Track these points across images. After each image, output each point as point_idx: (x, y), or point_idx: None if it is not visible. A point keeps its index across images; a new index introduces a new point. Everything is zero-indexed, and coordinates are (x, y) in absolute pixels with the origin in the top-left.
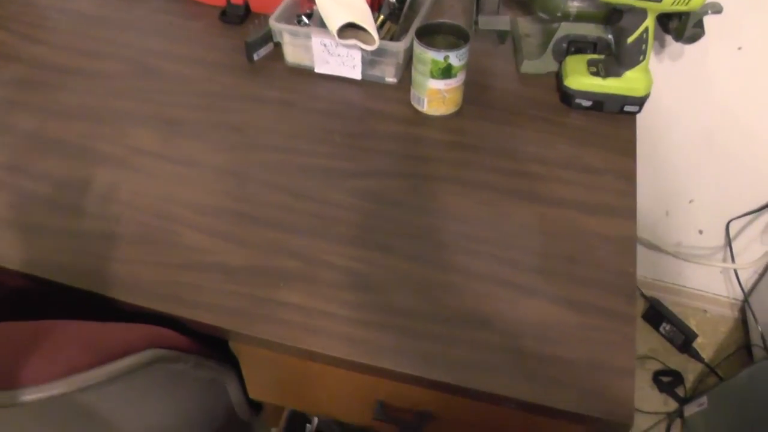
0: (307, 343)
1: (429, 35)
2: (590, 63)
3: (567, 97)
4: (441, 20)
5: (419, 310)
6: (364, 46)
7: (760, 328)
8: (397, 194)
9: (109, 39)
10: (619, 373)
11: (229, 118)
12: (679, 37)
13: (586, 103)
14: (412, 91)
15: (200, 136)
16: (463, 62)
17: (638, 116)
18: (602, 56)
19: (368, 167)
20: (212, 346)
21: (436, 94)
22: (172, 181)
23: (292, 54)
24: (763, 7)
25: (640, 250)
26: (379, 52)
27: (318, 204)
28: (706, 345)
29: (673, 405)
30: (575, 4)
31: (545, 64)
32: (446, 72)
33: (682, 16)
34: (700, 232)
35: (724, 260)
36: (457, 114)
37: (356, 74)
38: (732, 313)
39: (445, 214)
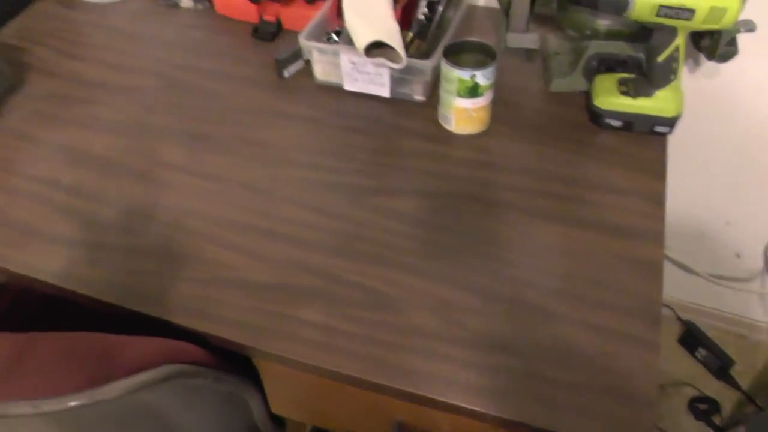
0: (325, 362)
1: (456, 53)
2: (620, 82)
3: (596, 116)
4: (468, 38)
5: (438, 331)
6: (391, 64)
7: None
8: (421, 213)
9: (142, 54)
10: (641, 403)
11: (257, 133)
12: (712, 55)
13: (616, 123)
14: (440, 109)
15: (227, 151)
16: (490, 81)
17: (672, 134)
18: (633, 75)
19: (393, 185)
20: (235, 361)
21: (463, 113)
22: (198, 196)
23: (321, 71)
24: None
25: (676, 273)
26: (408, 70)
27: (341, 222)
28: (743, 372)
29: None
30: (605, 22)
31: (575, 82)
32: (473, 91)
33: (714, 35)
34: (738, 255)
35: (763, 285)
36: (485, 133)
37: (385, 92)
38: None
39: (468, 234)
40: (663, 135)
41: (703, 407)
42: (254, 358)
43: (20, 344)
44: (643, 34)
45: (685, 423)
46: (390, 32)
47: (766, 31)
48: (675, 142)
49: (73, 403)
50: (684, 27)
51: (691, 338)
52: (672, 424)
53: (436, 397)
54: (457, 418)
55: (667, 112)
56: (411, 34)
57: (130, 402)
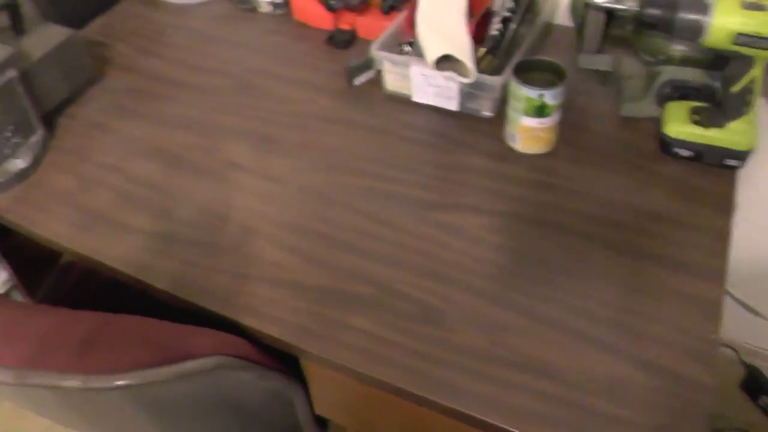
0: (370, 370)
1: (526, 71)
2: (693, 111)
3: (665, 144)
4: (540, 57)
5: (485, 350)
6: (460, 78)
7: None
8: (477, 230)
9: (218, 56)
10: None
11: (323, 140)
12: None
13: (685, 153)
14: (506, 126)
15: (293, 155)
16: (558, 101)
17: (743, 168)
18: (706, 104)
19: (453, 200)
20: (284, 360)
21: (529, 132)
22: (260, 197)
23: (391, 82)
24: None
25: (741, 314)
26: (477, 85)
27: (399, 233)
28: None
29: None
30: (680, 47)
31: (646, 108)
32: (540, 110)
33: None
34: None
35: None
36: (550, 154)
37: (453, 105)
38: None
39: (524, 255)
40: (733, 169)
41: None
42: (301, 359)
43: (95, 323)
44: (720, 62)
45: None
46: (461, 46)
47: None
48: (746, 177)
49: (121, 383)
50: (762, 57)
51: (754, 384)
52: None
53: (479, 416)
54: None
55: (740, 145)
56: (483, 50)
57: (176, 388)
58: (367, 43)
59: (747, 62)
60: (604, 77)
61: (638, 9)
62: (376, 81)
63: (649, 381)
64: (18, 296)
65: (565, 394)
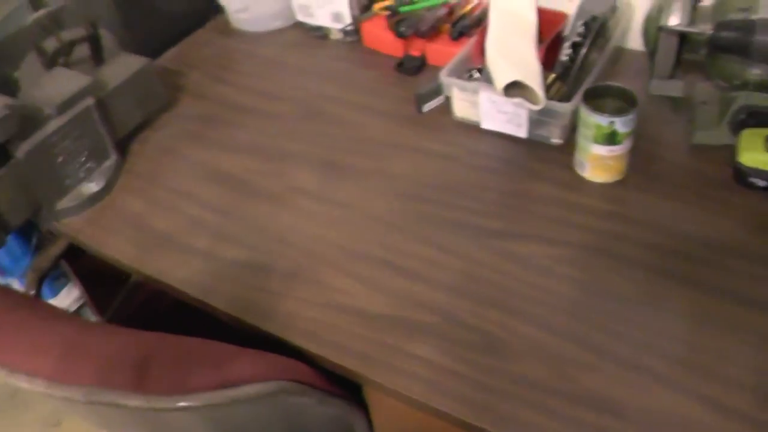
0: (433, 401)
1: (597, 98)
2: None
3: (740, 174)
4: (610, 83)
5: (548, 383)
6: (530, 105)
7: None
8: (544, 261)
9: (287, 82)
10: None
11: (389, 166)
12: None
13: (761, 183)
14: (575, 154)
15: (359, 181)
16: (629, 129)
17: None
18: None
19: (520, 229)
20: (347, 386)
21: (598, 160)
22: (326, 223)
23: (460, 108)
24: None
25: None
26: (547, 112)
27: (464, 261)
28: None
29: None
30: (756, 71)
31: (720, 135)
32: (611, 138)
33: None
34: None
35: None
36: (620, 182)
37: (522, 132)
38: None
39: (591, 287)
40: None
41: None
42: (364, 386)
43: (150, 342)
44: None
45: None
46: (531, 72)
47: None
48: None
49: (183, 404)
50: None
51: None
52: None
53: None
54: None
55: None
56: (553, 75)
57: (238, 411)
58: (437, 69)
59: None
60: (676, 103)
61: (712, 32)
62: (445, 107)
63: (723, 425)
64: (88, 313)
65: None
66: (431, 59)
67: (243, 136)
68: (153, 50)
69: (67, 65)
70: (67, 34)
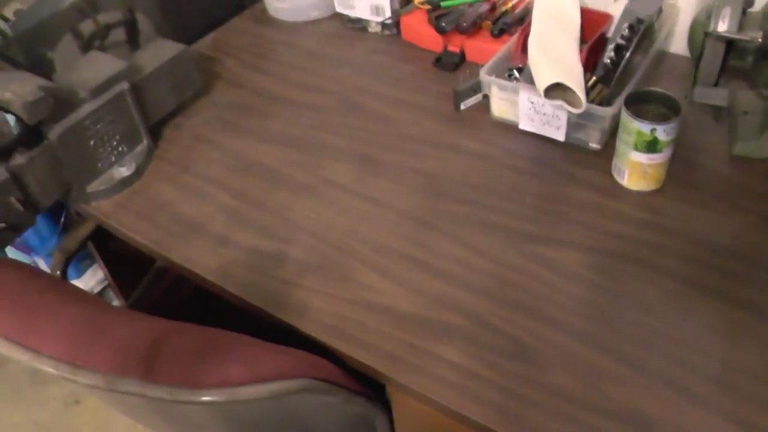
0: (457, 405)
1: (638, 103)
2: None
3: None
4: (653, 88)
5: (578, 394)
6: (570, 108)
7: None
8: (578, 268)
9: (324, 74)
10: None
11: (425, 163)
12: None
13: None
14: (614, 160)
15: (393, 177)
16: (670, 137)
17: None
18: None
19: (554, 234)
20: (370, 385)
21: (638, 168)
22: (358, 218)
23: (498, 107)
24: None
25: None
26: (586, 116)
27: (496, 264)
28: None
29: None
30: None
31: (762, 148)
32: (651, 146)
33: None
34: None
35: None
36: (658, 191)
37: (560, 135)
38: None
39: (625, 297)
40: None
41: None
42: (388, 386)
43: (172, 330)
44: None
45: None
46: (573, 74)
47: None
48: None
49: (207, 398)
50: None
51: None
52: None
53: None
54: None
55: None
56: (594, 78)
57: (260, 407)
58: (476, 66)
59: None
60: (718, 112)
61: (762, 40)
62: (483, 106)
63: None
64: (112, 295)
65: None
66: (470, 56)
67: (278, 126)
68: (189, 36)
69: (102, 49)
70: (104, 18)
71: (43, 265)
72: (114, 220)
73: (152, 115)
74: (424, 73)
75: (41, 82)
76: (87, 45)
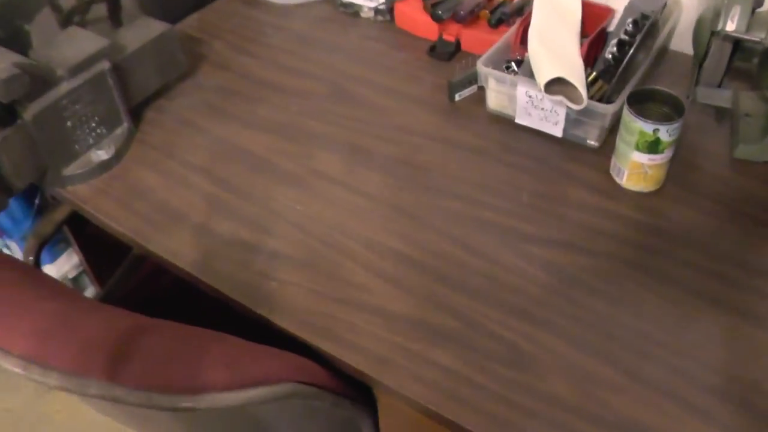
0: (449, 411)
1: (640, 102)
2: None
3: None
4: (656, 87)
5: (578, 404)
6: (570, 104)
7: None
8: (576, 271)
9: (315, 59)
10: None
11: (417, 156)
12: None
13: None
14: (613, 159)
15: (385, 169)
16: (673, 138)
17: None
18: None
19: (550, 234)
20: (355, 384)
21: (638, 168)
22: (347, 211)
23: (494, 100)
24: None
25: None
26: (586, 112)
27: (491, 264)
28: None
29: None
30: None
31: (763, 151)
32: (653, 146)
33: None
34: None
35: None
36: (656, 192)
37: (557, 131)
38: None
39: (623, 303)
40: None
41: None
42: (375, 390)
43: (146, 328)
44: None
45: None
46: (575, 69)
47: None
48: None
49: (186, 404)
50: None
51: None
52: None
53: None
54: None
55: None
56: (594, 73)
57: (242, 411)
58: (471, 56)
59: None
60: (720, 113)
61: None
62: (478, 98)
63: None
64: (86, 282)
65: None
66: (466, 45)
67: (266, 112)
68: (174, 15)
69: (82, 24)
70: None
71: (16, 249)
72: (90, 205)
73: (134, 97)
74: (418, 61)
75: (16, 58)
76: (66, 20)
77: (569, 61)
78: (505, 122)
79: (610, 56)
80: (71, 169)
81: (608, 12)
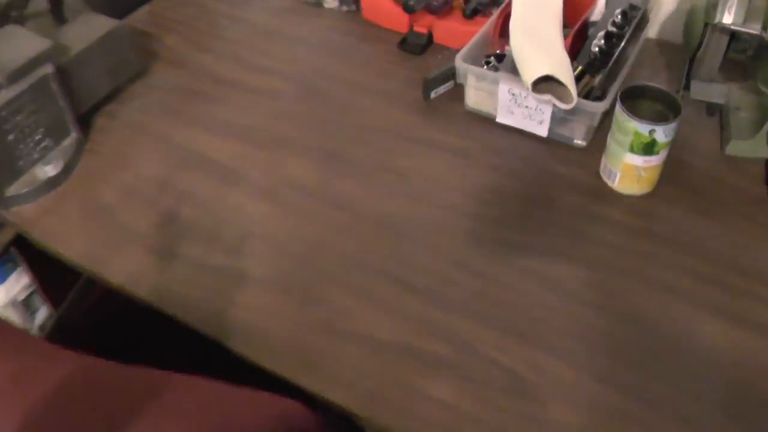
0: None
1: (631, 99)
2: None
3: None
4: (649, 84)
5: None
6: (559, 104)
7: None
8: (568, 282)
9: (277, 54)
10: None
11: (395, 160)
12: None
13: None
14: (604, 160)
15: (361, 177)
16: (669, 138)
17: None
18: None
19: (543, 244)
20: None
21: (631, 171)
22: (323, 225)
23: (473, 98)
24: None
25: None
26: (574, 110)
27: (483, 281)
28: None
29: None
30: None
31: (756, 147)
32: (648, 148)
33: None
34: None
35: None
36: (650, 194)
37: (542, 131)
38: None
39: (622, 316)
40: None
41: None
42: (366, 428)
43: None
44: None
45: None
46: (562, 65)
47: None
48: None
49: None
50: None
51: None
52: None
53: None
54: None
55: None
56: (580, 67)
57: None
58: (444, 48)
59: None
60: (712, 108)
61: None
62: (455, 94)
63: None
64: (39, 302)
65: None
66: (438, 37)
67: (228, 114)
68: (121, 8)
69: (21, 20)
70: None
71: None
72: (38, 230)
73: (82, 103)
74: (388, 55)
75: None
76: (2, 15)
77: (557, 57)
78: (485, 121)
79: (597, 49)
80: (15, 188)
81: (590, 1)
